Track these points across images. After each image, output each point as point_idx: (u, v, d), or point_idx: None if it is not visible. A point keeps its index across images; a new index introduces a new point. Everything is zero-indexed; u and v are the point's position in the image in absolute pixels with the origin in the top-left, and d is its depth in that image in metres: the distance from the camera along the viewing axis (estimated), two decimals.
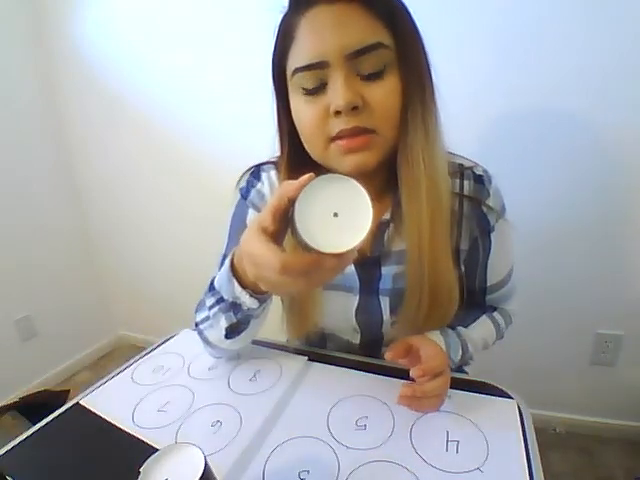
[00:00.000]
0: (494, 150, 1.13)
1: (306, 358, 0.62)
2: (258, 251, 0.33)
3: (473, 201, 0.55)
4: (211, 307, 0.51)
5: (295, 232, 0.30)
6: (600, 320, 1.21)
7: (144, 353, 0.68)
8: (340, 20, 0.43)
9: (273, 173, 0.61)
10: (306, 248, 0.30)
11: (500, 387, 0.55)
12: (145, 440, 0.47)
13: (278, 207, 0.33)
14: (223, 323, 0.50)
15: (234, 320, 0.49)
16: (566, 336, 1.25)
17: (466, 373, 0.72)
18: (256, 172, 0.63)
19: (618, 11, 0.94)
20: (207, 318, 0.54)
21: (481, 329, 0.62)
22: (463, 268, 0.60)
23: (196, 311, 0.58)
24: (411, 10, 0.48)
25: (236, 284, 0.44)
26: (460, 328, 0.59)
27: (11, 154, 1.55)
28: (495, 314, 0.66)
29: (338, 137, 0.46)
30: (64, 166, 1.76)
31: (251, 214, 0.62)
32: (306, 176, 0.31)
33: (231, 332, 0.51)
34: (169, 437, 0.48)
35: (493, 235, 0.58)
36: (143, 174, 1.67)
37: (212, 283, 0.52)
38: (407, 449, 0.45)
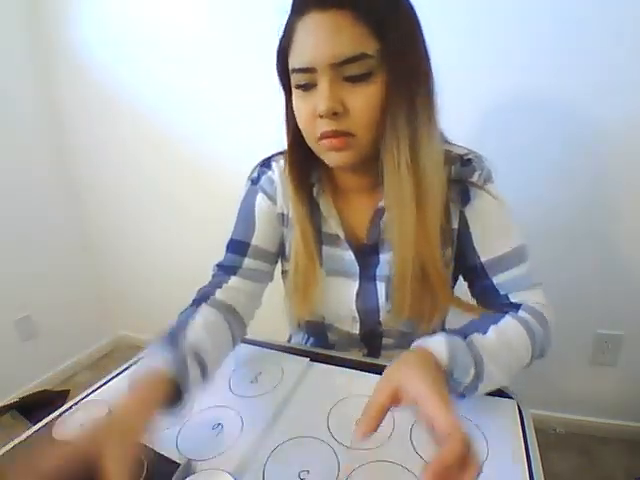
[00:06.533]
0: (491, 145, 1.13)
1: (307, 359, 0.62)
2: None
3: (459, 182, 0.56)
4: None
5: None
6: (600, 320, 1.21)
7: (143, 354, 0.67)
8: (329, 29, 0.45)
9: (282, 162, 0.65)
10: None
11: (500, 387, 0.55)
12: (144, 443, 0.47)
13: None
14: None
15: None
16: (566, 336, 1.25)
17: None
18: (267, 163, 0.67)
19: (618, 10, 0.94)
20: None
21: (505, 333, 0.49)
22: (456, 247, 0.60)
23: None
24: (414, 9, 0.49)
25: None
26: (476, 335, 0.47)
27: (10, 154, 1.55)
28: (521, 313, 0.54)
29: (322, 137, 0.50)
30: (63, 166, 1.76)
31: (260, 198, 0.65)
32: None
33: None
34: (170, 440, 0.48)
35: (471, 204, 0.56)
36: (143, 174, 1.67)
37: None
38: (407, 449, 0.45)
